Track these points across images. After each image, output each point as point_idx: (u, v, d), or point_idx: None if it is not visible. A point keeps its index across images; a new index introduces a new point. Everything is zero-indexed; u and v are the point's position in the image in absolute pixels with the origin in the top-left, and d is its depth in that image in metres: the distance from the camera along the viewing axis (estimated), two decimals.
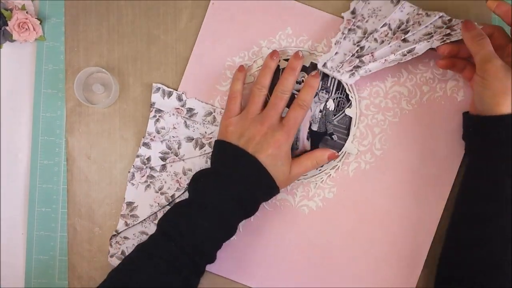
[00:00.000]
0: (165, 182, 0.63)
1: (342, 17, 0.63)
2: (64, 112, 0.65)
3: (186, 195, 0.63)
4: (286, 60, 0.63)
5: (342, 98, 0.63)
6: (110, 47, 0.65)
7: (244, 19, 0.64)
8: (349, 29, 0.62)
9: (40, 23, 0.65)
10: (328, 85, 0.63)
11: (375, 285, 0.62)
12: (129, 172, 0.63)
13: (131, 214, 0.63)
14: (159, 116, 0.63)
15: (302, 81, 0.63)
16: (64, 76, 0.65)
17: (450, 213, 0.60)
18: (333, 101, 0.63)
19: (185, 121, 0.63)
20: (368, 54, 0.60)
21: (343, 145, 0.63)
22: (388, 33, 0.61)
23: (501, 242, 0.53)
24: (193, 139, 0.63)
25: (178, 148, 0.63)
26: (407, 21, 0.61)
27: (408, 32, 0.60)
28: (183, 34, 0.65)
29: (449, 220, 0.59)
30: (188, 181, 0.62)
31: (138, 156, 0.63)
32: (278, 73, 0.63)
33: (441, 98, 0.63)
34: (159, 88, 0.64)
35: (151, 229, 0.63)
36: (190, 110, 0.64)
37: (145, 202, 0.63)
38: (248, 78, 0.63)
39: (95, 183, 0.64)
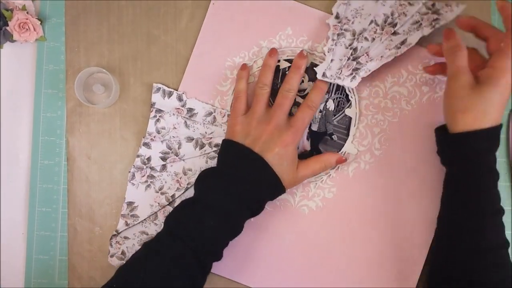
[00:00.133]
0: (165, 182, 0.63)
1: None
2: (65, 112, 0.65)
3: (186, 195, 0.63)
4: (286, 60, 0.63)
5: (342, 98, 0.63)
6: (110, 47, 0.65)
7: (244, 19, 0.64)
8: (338, 34, 0.61)
9: (41, 24, 0.65)
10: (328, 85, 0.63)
11: (375, 285, 0.62)
12: (129, 172, 0.63)
13: (131, 214, 0.63)
14: (159, 116, 0.63)
15: (303, 81, 0.63)
16: (65, 76, 0.65)
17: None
18: (333, 101, 0.63)
19: (185, 121, 0.64)
20: (363, 55, 0.60)
21: (343, 145, 0.63)
22: (376, 30, 0.61)
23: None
24: (193, 139, 0.63)
25: (178, 148, 0.63)
26: (392, 14, 0.61)
27: (396, 24, 0.60)
28: (183, 34, 0.65)
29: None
30: (188, 181, 0.62)
31: (138, 156, 0.63)
32: (278, 73, 0.63)
33: (441, 98, 0.63)
34: (160, 88, 0.64)
35: (151, 229, 0.63)
36: (190, 110, 0.64)
37: (146, 202, 0.63)
38: (249, 78, 0.64)
39: (95, 183, 0.64)
